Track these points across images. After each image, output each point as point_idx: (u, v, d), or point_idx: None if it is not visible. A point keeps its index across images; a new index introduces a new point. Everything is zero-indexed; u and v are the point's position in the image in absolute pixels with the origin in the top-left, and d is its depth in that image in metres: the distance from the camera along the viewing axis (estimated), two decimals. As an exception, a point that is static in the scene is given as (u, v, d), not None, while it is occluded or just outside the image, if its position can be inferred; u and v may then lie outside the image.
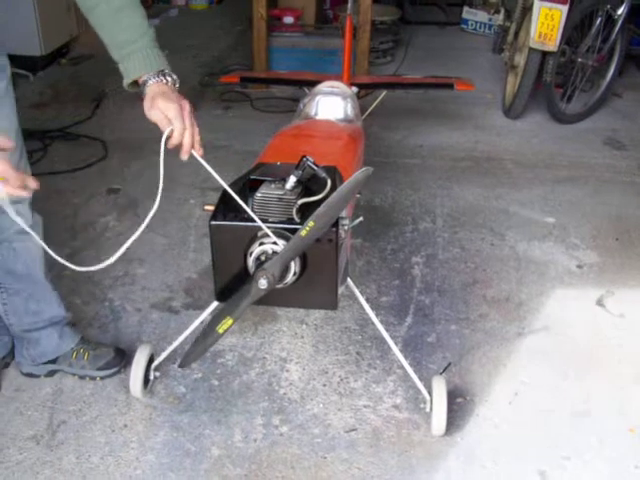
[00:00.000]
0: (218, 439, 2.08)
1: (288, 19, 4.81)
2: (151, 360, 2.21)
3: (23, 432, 2.08)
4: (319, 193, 1.64)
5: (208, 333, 1.69)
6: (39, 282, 2.18)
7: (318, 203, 1.64)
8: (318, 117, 2.47)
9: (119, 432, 2.10)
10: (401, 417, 2.17)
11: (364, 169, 1.52)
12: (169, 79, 1.66)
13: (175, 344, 2.20)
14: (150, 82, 1.64)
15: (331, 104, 2.52)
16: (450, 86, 3.38)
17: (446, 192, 3.45)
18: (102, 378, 2.26)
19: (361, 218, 1.87)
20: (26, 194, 1.49)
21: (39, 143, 3.78)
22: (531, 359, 2.41)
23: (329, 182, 1.64)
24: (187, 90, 4.71)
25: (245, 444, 2.06)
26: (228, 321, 1.64)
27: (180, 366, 1.84)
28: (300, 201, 1.64)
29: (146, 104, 1.63)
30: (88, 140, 3.79)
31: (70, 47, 5.14)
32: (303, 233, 1.52)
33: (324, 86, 2.63)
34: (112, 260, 1.56)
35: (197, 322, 2.15)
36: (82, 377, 2.27)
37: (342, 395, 2.24)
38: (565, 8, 3.74)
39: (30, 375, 2.27)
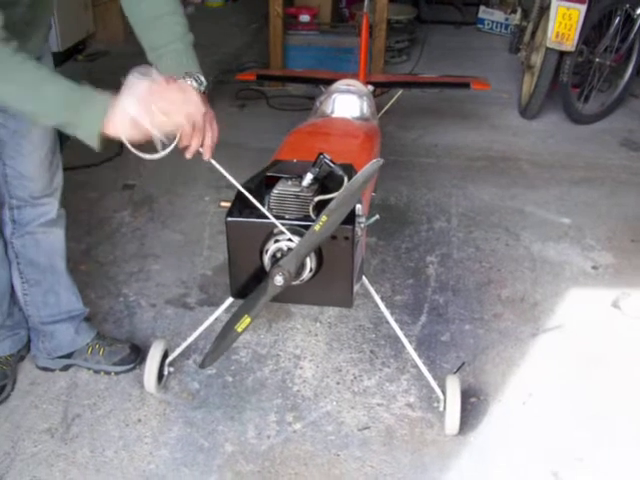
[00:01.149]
0: (231, 435, 2.08)
1: (304, 17, 4.81)
2: (165, 355, 2.21)
3: (38, 425, 2.10)
4: (335, 191, 1.64)
5: (227, 332, 1.69)
6: (60, 274, 2.21)
7: None
8: (334, 115, 2.47)
9: (133, 427, 2.10)
10: (414, 416, 2.16)
11: (375, 161, 1.52)
12: (195, 82, 1.60)
13: (189, 340, 2.20)
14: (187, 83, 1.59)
15: (347, 102, 2.52)
16: (466, 85, 3.38)
17: (461, 191, 3.45)
18: (117, 373, 2.27)
19: (377, 216, 1.87)
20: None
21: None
22: (545, 360, 2.40)
23: (346, 180, 1.64)
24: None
25: (258, 440, 2.07)
26: (246, 319, 1.64)
27: (201, 367, 1.84)
28: (317, 198, 1.64)
29: None
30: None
31: (87, 43, 5.16)
32: (317, 228, 1.52)
33: (340, 84, 2.64)
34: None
35: (212, 318, 2.16)
36: (97, 372, 2.28)
37: (355, 393, 2.24)
38: (583, 7, 3.72)
39: (45, 369, 2.29)
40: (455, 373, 2.18)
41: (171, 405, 2.18)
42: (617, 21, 4.01)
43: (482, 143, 3.99)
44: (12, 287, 2.18)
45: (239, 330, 1.66)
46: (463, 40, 5.83)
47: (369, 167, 1.51)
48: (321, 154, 1.65)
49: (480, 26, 6.09)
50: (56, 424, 2.11)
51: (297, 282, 1.64)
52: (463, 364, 2.33)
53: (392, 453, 2.04)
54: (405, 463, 2.01)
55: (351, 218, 1.63)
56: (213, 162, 1.58)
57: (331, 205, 1.52)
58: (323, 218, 1.51)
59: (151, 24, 1.71)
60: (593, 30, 4.07)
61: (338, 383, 2.28)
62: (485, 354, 2.41)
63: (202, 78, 1.61)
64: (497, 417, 2.17)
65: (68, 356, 2.28)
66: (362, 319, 2.54)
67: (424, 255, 2.93)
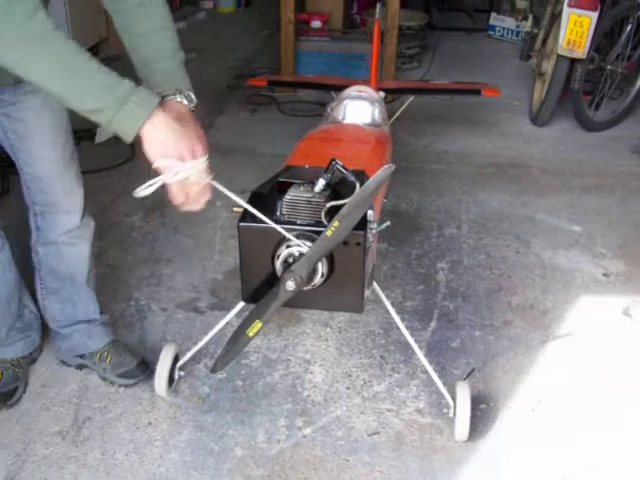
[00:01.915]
0: (241, 439, 2.09)
1: (316, 23, 4.83)
2: (176, 359, 2.22)
3: (49, 427, 2.11)
4: (348, 196, 1.64)
5: (238, 337, 1.70)
6: (80, 285, 2.22)
7: None
8: (346, 121, 2.48)
9: (143, 430, 2.11)
10: (424, 422, 2.16)
11: (386, 166, 1.52)
12: (185, 100, 1.58)
13: (200, 344, 2.21)
14: (168, 99, 1.56)
15: (359, 108, 2.53)
16: (477, 92, 3.38)
17: (472, 198, 3.45)
18: (120, 385, 2.26)
19: (388, 222, 1.87)
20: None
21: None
22: (555, 367, 2.40)
23: (358, 186, 1.65)
24: (214, 92, 4.75)
25: (268, 445, 2.07)
26: (258, 324, 1.65)
27: (212, 371, 1.84)
28: (329, 204, 1.65)
29: None
30: (116, 140, 3.82)
31: (99, 48, 5.20)
32: (329, 233, 1.53)
33: (352, 90, 2.64)
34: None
35: (222, 323, 2.16)
36: (104, 378, 2.29)
37: (365, 398, 2.24)
38: (595, 15, 3.72)
39: (63, 363, 2.33)
40: (465, 379, 2.18)
41: (181, 409, 2.19)
42: (629, 28, 4.01)
43: (493, 150, 3.99)
44: (20, 290, 2.19)
45: (250, 335, 1.66)
46: (474, 47, 5.83)
47: (381, 173, 1.52)
48: (333, 160, 1.65)
49: (491, 33, 6.08)
50: (67, 426, 2.12)
51: (308, 287, 1.64)
52: (473, 370, 2.33)
53: (401, 459, 2.04)
54: (414, 469, 2.01)
55: (363, 224, 1.63)
56: (215, 183, 1.55)
57: (343, 211, 1.52)
58: (335, 224, 1.52)
59: (142, 39, 1.65)
60: (605, 37, 4.07)
61: (348, 388, 2.28)
62: (495, 361, 2.41)
63: (192, 96, 1.59)
64: (507, 424, 2.17)
65: (82, 356, 2.31)
66: (372, 324, 2.54)
67: (434, 261, 2.93)
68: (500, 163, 3.84)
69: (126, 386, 2.26)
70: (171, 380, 2.21)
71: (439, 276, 2.84)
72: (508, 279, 2.85)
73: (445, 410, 2.12)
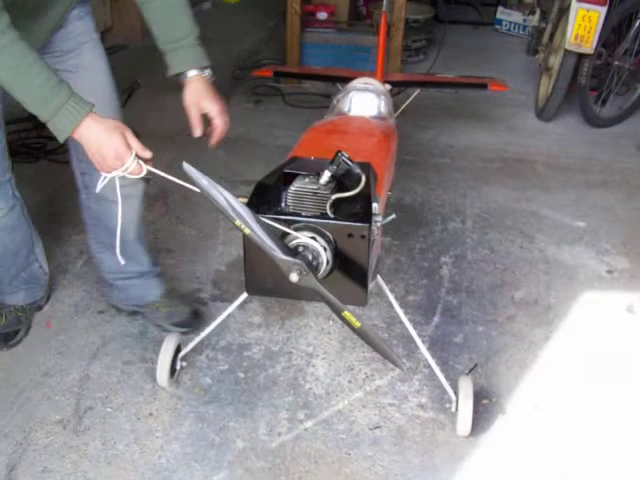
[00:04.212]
0: (243, 431, 2.09)
1: (322, 15, 4.80)
2: (178, 350, 2.22)
3: (50, 416, 2.11)
4: (353, 189, 1.64)
5: (362, 336, 1.68)
6: (132, 241, 2.29)
7: (352, 199, 1.63)
8: (351, 113, 2.46)
9: (144, 420, 2.11)
10: (426, 416, 2.16)
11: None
12: (207, 73, 1.89)
13: (202, 335, 2.21)
14: (190, 74, 1.88)
15: (365, 101, 2.51)
16: (484, 86, 3.36)
17: (476, 193, 3.43)
18: (169, 330, 2.35)
19: (393, 215, 1.86)
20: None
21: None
22: (558, 363, 2.39)
23: (363, 178, 1.64)
24: (219, 83, 4.71)
25: (269, 437, 2.07)
26: (348, 315, 1.62)
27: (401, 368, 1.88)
28: (334, 196, 1.64)
29: (189, 96, 1.88)
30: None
31: (104, 38, 5.17)
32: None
33: (358, 82, 2.62)
34: None
35: (225, 314, 2.16)
36: (158, 325, 2.39)
37: (367, 392, 2.24)
38: (603, 10, 3.69)
39: (116, 308, 2.43)
40: (467, 375, 2.17)
41: (183, 400, 2.18)
42: (638, 24, 3.98)
43: (498, 144, 3.97)
44: (32, 243, 2.28)
45: (359, 324, 1.62)
46: (480, 41, 5.80)
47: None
48: (339, 152, 1.64)
49: (498, 27, 6.05)
50: (68, 416, 2.11)
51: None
52: (475, 366, 2.32)
53: (403, 453, 2.03)
54: (416, 464, 2.00)
55: (368, 216, 1.62)
56: (155, 170, 1.70)
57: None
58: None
59: (163, 13, 1.86)
60: (612, 33, 4.04)
61: (350, 382, 2.28)
62: (498, 356, 2.40)
63: (210, 69, 1.90)
64: (509, 420, 2.16)
65: (137, 305, 2.40)
66: (375, 318, 2.53)
67: (438, 256, 2.92)
68: (505, 158, 3.82)
69: (182, 333, 2.34)
70: (173, 371, 2.20)
71: (443, 270, 2.83)
72: (512, 274, 2.84)
73: (447, 405, 2.11)
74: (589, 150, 3.96)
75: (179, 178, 1.62)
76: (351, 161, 1.64)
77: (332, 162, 1.65)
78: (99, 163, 1.64)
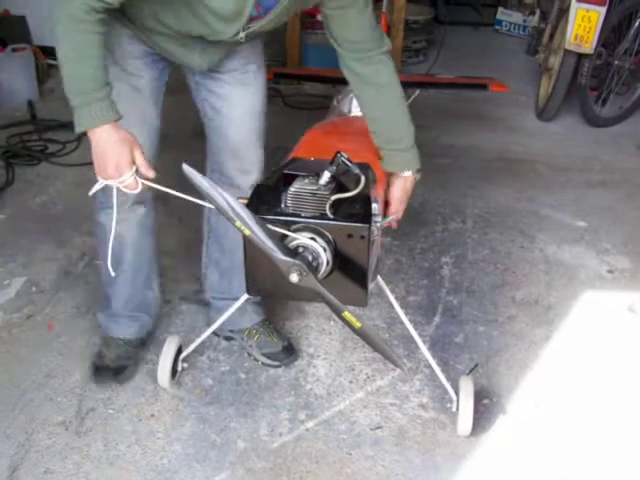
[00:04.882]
0: (244, 432, 2.09)
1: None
2: (179, 351, 2.22)
3: (52, 418, 2.11)
4: (352, 189, 1.64)
5: (362, 337, 1.70)
6: (239, 263, 2.24)
7: (351, 199, 1.64)
8: (352, 114, 2.47)
9: (146, 422, 2.12)
10: (427, 416, 2.16)
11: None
12: (417, 175, 1.95)
13: (203, 336, 2.21)
14: (406, 174, 1.92)
15: None
16: (484, 87, 3.36)
17: (477, 193, 3.44)
18: (263, 364, 2.33)
19: (393, 216, 1.87)
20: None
21: (73, 134, 3.80)
22: (559, 363, 2.39)
23: (363, 179, 1.64)
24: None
25: (270, 438, 2.07)
26: (348, 315, 1.63)
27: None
28: (334, 197, 1.64)
29: (396, 191, 1.91)
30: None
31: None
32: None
33: None
34: None
35: (226, 315, 2.16)
36: (249, 354, 2.36)
37: (368, 392, 2.24)
38: (603, 10, 3.70)
39: (213, 333, 2.37)
40: (468, 374, 2.18)
41: (184, 401, 2.19)
42: (637, 24, 3.99)
43: (498, 144, 3.98)
44: (153, 268, 2.32)
45: (359, 324, 1.63)
46: (481, 41, 5.81)
47: None
48: (338, 152, 1.65)
49: (498, 27, 6.07)
50: (70, 417, 2.12)
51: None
52: (476, 366, 2.33)
53: (404, 453, 2.04)
54: (417, 463, 2.01)
55: (367, 217, 1.63)
56: (152, 184, 1.72)
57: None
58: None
59: (384, 117, 1.91)
60: (612, 32, 4.05)
61: (351, 382, 2.28)
62: (498, 356, 2.41)
63: (418, 173, 1.96)
64: (510, 419, 2.17)
65: (231, 330, 2.37)
66: (376, 319, 2.54)
67: (439, 256, 2.93)
68: (506, 158, 3.83)
69: (269, 366, 2.32)
70: (174, 372, 2.21)
71: (443, 271, 2.84)
72: (512, 274, 2.84)
73: (448, 405, 2.12)
74: (589, 150, 3.97)
75: (180, 179, 1.62)
76: (350, 161, 1.65)
77: (331, 163, 1.65)
78: (99, 167, 1.67)
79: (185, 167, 1.52)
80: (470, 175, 3.61)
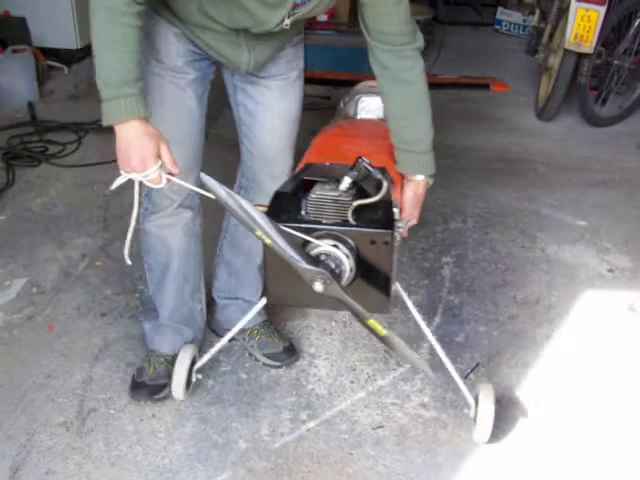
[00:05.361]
0: (245, 432, 2.09)
1: (321, 17, 4.80)
2: (194, 361, 2.15)
3: (54, 418, 2.11)
4: (373, 195, 1.62)
5: (386, 343, 1.72)
6: (251, 266, 2.29)
7: (372, 204, 1.62)
8: (359, 117, 2.45)
9: (147, 422, 2.11)
10: (428, 416, 2.16)
11: None
12: (430, 181, 1.91)
13: (218, 346, 2.14)
14: (417, 177, 1.88)
15: (372, 104, 2.49)
16: (486, 86, 3.35)
17: (477, 193, 3.44)
18: (264, 364, 2.33)
19: (414, 221, 1.86)
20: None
21: (73, 135, 3.84)
22: (560, 362, 2.39)
23: (385, 184, 1.61)
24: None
25: (272, 438, 2.07)
26: (373, 322, 1.65)
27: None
28: (356, 203, 1.62)
29: (409, 195, 1.88)
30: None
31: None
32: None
33: (364, 86, 2.61)
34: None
35: (240, 324, 2.11)
36: (250, 354, 2.35)
37: (369, 392, 2.24)
38: (603, 9, 3.70)
39: (213, 332, 2.41)
40: (468, 375, 2.18)
41: (185, 401, 2.18)
42: (637, 23, 3.99)
43: (499, 144, 3.98)
44: (199, 280, 2.26)
45: (385, 332, 1.65)
46: (480, 41, 5.82)
47: None
48: (360, 157, 1.62)
49: (498, 27, 6.07)
50: (72, 418, 2.12)
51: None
52: (477, 365, 2.33)
53: (405, 452, 2.04)
54: (418, 463, 2.01)
55: (390, 222, 1.61)
56: (175, 180, 1.69)
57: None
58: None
59: (403, 115, 1.86)
60: (612, 32, 4.05)
61: (352, 382, 2.28)
62: (499, 355, 2.41)
63: (432, 179, 1.92)
64: (511, 419, 2.16)
65: None
66: (377, 318, 2.53)
67: (439, 256, 2.93)
68: (506, 158, 3.83)
69: (270, 366, 2.32)
70: (188, 383, 2.14)
71: (444, 270, 2.84)
72: (513, 274, 2.84)
73: (466, 410, 2.06)
74: (589, 149, 3.97)
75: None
76: (372, 167, 1.62)
77: (352, 168, 1.62)
78: (123, 161, 1.64)
79: (203, 176, 1.53)
80: (470, 175, 3.62)
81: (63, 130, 3.88)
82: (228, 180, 1.67)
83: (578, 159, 3.85)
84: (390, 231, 1.60)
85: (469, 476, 1.98)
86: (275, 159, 2.11)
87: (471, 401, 2.03)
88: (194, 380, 2.17)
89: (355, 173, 1.62)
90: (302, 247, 1.58)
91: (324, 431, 2.10)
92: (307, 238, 1.60)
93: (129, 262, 1.89)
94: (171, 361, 2.20)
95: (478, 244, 3.03)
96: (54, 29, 4.57)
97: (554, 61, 4.24)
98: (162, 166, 1.65)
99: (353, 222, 1.62)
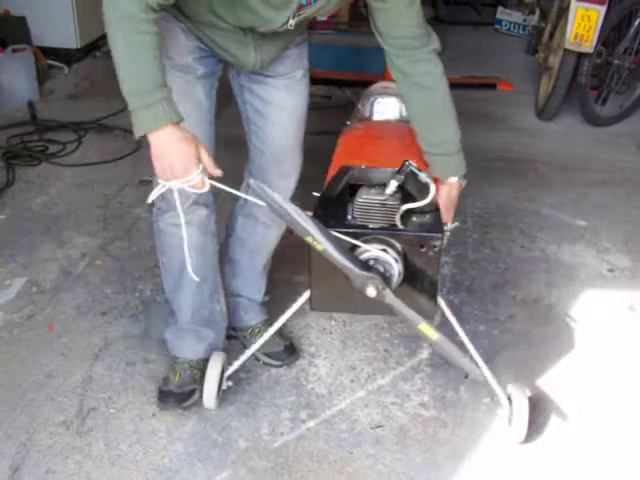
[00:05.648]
0: (245, 431, 2.09)
1: (322, 16, 4.80)
2: (223, 370, 2.13)
3: (54, 418, 2.11)
4: (419, 198, 1.61)
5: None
6: (256, 266, 2.32)
7: (422, 209, 1.61)
8: (374, 118, 2.43)
9: (148, 421, 2.12)
10: (428, 415, 2.16)
11: None
12: (463, 182, 1.91)
13: (249, 352, 2.14)
14: (450, 180, 1.88)
15: (388, 105, 2.47)
16: (492, 86, 3.33)
17: (477, 192, 3.43)
18: (265, 363, 2.32)
19: (457, 223, 1.85)
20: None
21: (73, 134, 3.83)
22: (559, 362, 2.39)
23: (432, 187, 1.61)
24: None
25: (272, 437, 2.07)
26: (426, 327, 1.63)
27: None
28: (404, 207, 1.61)
29: (444, 198, 1.86)
30: (121, 132, 3.81)
31: (105, 40, 5.18)
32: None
33: (378, 87, 2.59)
34: None
35: (272, 331, 2.10)
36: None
37: (369, 391, 2.24)
38: (603, 9, 3.70)
39: None
40: (467, 377, 2.17)
41: (185, 400, 2.19)
42: (637, 23, 3.99)
43: (499, 144, 3.98)
44: (218, 280, 2.22)
45: (436, 336, 1.64)
46: (481, 41, 5.81)
47: None
48: (406, 161, 1.62)
49: (498, 27, 6.07)
50: (71, 417, 2.12)
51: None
52: (477, 365, 2.32)
53: (405, 452, 2.04)
54: (418, 462, 2.01)
55: (439, 226, 1.60)
56: (218, 185, 1.67)
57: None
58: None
59: (428, 119, 1.88)
60: (612, 31, 4.05)
61: (352, 381, 2.28)
62: (499, 355, 2.40)
63: (464, 178, 1.92)
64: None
65: (234, 329, 2.36)
66: (377, 318, 2.54)
67: (439, 255, 2.93)
68: (506, 157, 3.83)
69: (271, 365, 2.31)
70: (219, 391, 2.12)
71: (444, 270, 2.84)
72: (513, 273, 2.84)
73: (499, 412, 2.08)
74: (590, 149, 3.97)
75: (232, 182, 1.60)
76: (419, 170, 1.62)
77: (399, 171, 1.62)
78: (162, 168, 1.59)
79: (253, 182, 1.52)
80: (470, 174, 3.56)
81: (63, 129, 3.88)
82: (231, 178, 1.66)
83: (578, 159, 3.85)
84: (441, 235, 1.59)
85: (469, 476, 1.98)
86: (285, 156, 2.12)
87: (505, 401, 2.02)
88: (224, 387, 2.15)
89: (402, 177, 1.61)
90: (351, 252, 1.57)
91: (324, 430, 2.10)
92: (358, 244, 1.59)
93: (196, 278, 1.91)
94: (195, 366, 2.19)
95: (478, 244, 3.03)
96: (54, 28, 4.57)
97: (554, 61, 4.24)
98: (203, 170, 1.61)
99: (401, 226, 1.61)
